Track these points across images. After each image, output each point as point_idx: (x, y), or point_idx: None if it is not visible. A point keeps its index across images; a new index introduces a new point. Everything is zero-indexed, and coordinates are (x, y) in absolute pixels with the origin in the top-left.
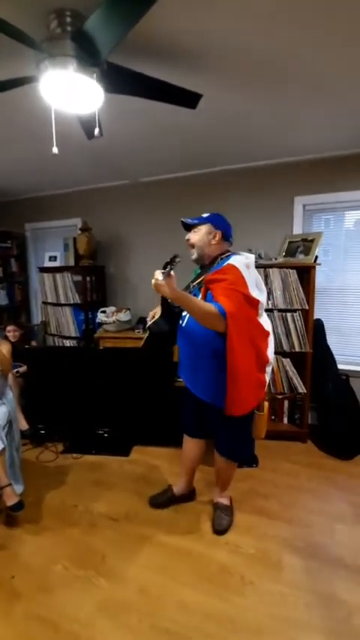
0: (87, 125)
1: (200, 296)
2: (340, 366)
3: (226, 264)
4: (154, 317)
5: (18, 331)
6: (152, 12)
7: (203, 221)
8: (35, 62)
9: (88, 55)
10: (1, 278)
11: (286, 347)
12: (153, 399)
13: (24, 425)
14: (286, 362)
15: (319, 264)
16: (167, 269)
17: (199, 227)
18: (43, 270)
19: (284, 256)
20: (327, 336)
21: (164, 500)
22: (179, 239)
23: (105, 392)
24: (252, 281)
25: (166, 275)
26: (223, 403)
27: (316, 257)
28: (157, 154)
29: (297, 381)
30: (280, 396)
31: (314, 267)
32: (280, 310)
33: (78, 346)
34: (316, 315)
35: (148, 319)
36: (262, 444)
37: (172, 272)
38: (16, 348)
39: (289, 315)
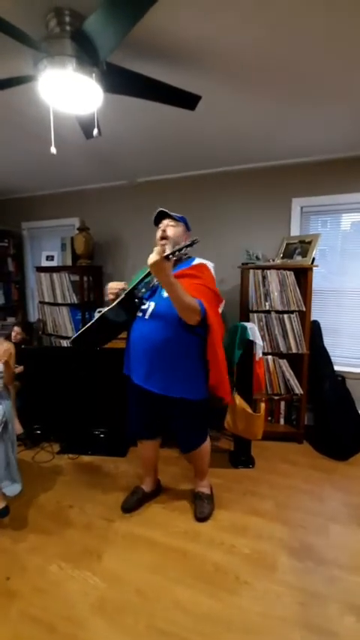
0: (85, 125)
1: (165, 292)
2: (336, 368)
3: (196, 263)
4: (113, 299)
5: (21, 335)
6: (152, 12)
7: (182, 220)
8: (34, 61)
9: (87, 54)
10: None
11: (283, 348)
12: None
13: (18, 429)
14: (283, 363)
15: (317, 266)
16: (182, 250)
17: (179, 223)
18: (40, 269)
19: (282, 258)
20: (323, 337)
21: (135, 502)
22: None
23: (101, 392)
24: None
25: (173, 256)
26: (196, 395)
27: (314, 259)
28: (155, 154)
29: (294, 382)
30: (276, 397)
31: (311, 269)
32: (277, 312)
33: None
34: (312, 317)
35: (112, 291)
36: (258, 445)
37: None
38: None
39: (286, 316)
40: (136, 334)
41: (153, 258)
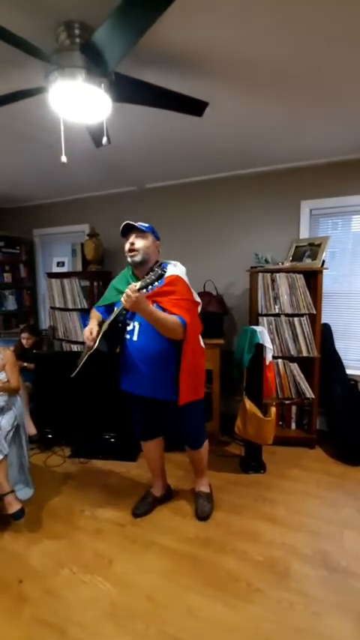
0: (95, 134)
1: None
2: (348, 371)
3: (168, 278)
4: (95, 336)
5: (32, 339)
6: (158, 21)
7: (150, 230)
8: (44, 73)
9: (96, 65)
10: (10, 283)
11: (293, 352)
12: None
13: (32, 430)
14: (294, 367)
15: (327, 269)
16: (152, 283)
17: (147, 234)
18: (51, 275)
19: (291, 261)
20: (335, 340)
21: (145, 507)
22: (186, 244)
23: (111, 397)
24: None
25: (145, 290)
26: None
27: (323, 261)
28: (164, 160)
29: (305, 386)
30: (287, 402)
31: (321, 272)
32: (287, 315)
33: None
34: (323, 320)
35: (88, 340)
36: (269, 450)
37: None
38: (26, 353)
39: (296, 319)
40: (129, 355)
41: (128, 300)
